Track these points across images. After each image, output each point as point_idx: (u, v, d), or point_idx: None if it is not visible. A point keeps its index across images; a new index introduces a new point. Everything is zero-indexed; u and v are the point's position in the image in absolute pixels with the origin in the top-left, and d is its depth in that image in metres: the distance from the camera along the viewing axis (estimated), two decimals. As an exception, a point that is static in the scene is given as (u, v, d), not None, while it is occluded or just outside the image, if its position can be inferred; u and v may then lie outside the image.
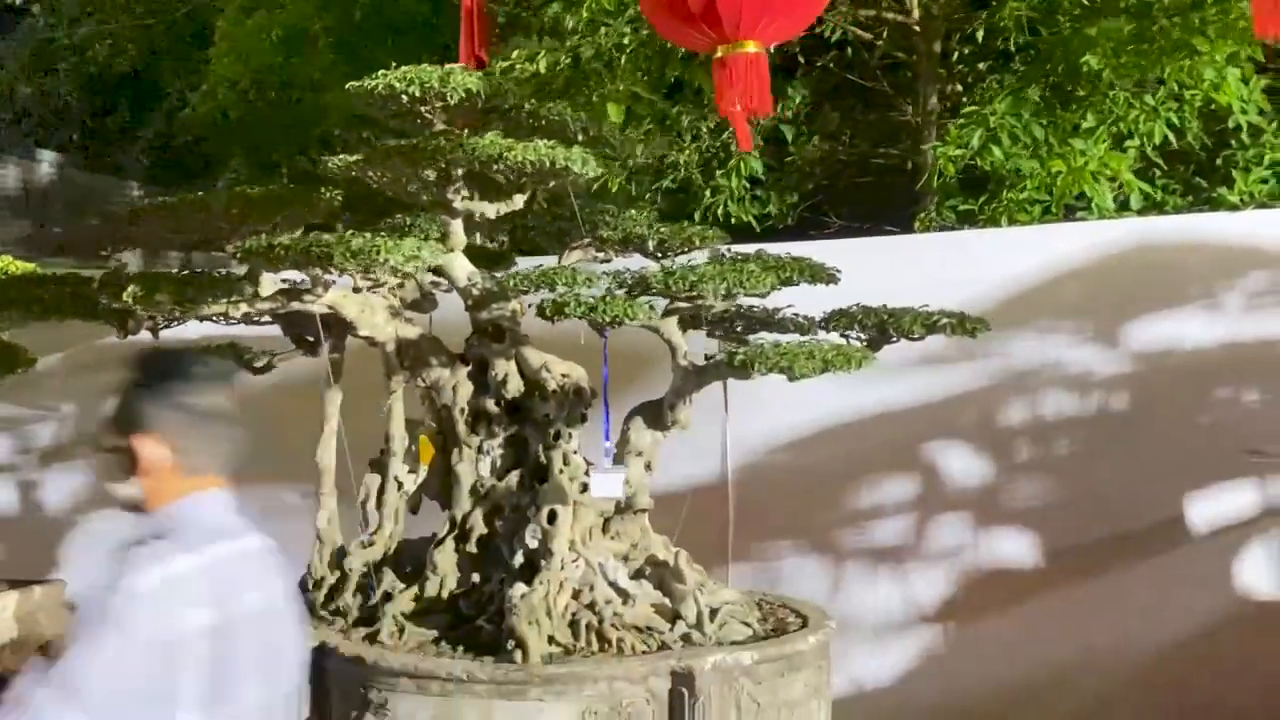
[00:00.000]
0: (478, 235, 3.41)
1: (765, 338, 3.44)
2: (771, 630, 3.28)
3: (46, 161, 13.64)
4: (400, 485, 3.45)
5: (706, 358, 3.12)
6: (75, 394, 5.71)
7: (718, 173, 5.29)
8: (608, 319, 2.84)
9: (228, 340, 3.81)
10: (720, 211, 5.48)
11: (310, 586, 3.45)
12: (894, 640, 4.83)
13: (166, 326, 3.47)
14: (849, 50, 6.99)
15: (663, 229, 3.29)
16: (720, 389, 4.94)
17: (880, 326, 3.18)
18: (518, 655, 2.94)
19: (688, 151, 5.49)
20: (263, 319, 3.48)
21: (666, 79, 5.04)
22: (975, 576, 4.75)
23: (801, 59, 7.25)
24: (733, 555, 4.97)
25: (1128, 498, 4.58)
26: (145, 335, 3.49)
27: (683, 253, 3.33)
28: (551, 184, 3.02)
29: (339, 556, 3.44)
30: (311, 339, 3.61)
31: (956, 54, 6.19)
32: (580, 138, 3.09)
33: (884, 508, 4.87)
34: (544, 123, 3.10)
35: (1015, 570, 4.72)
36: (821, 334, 3.57)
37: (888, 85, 6.84)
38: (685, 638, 3.14)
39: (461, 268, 3.32)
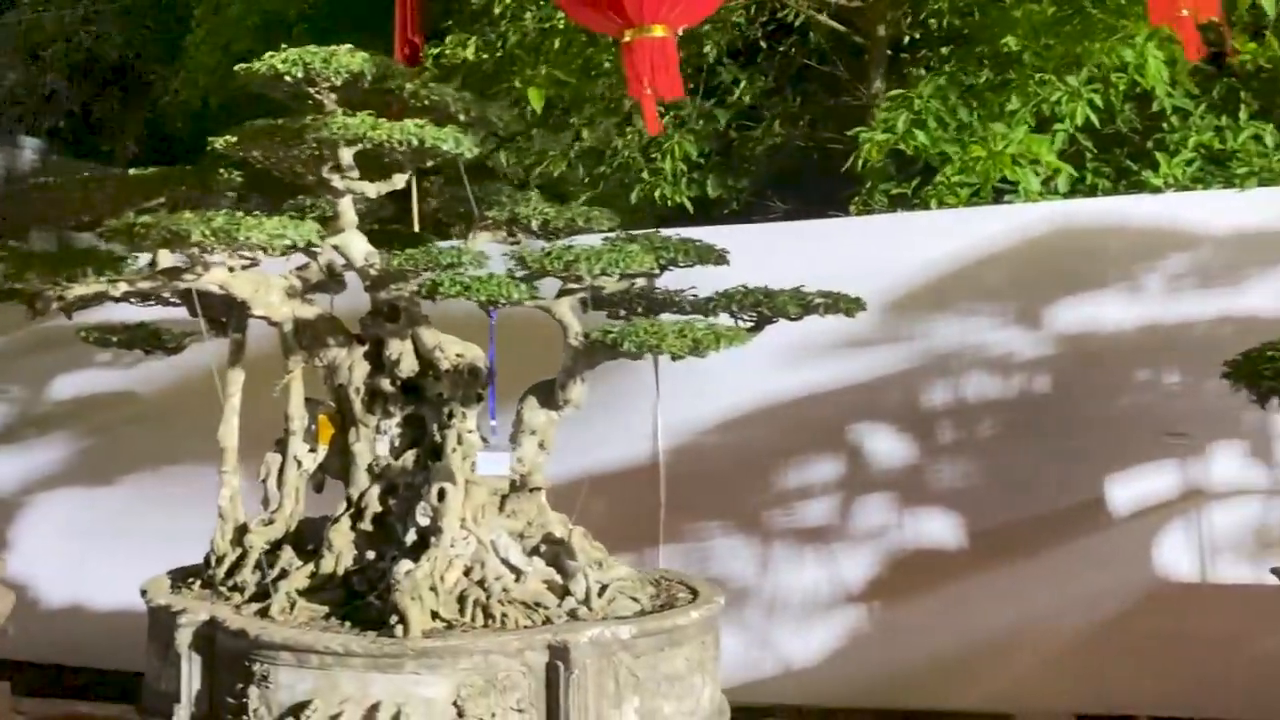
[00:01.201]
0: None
1: (665, 318, 3.47)
2: (661, 606, 3.32)
3: (29, 149, 13.67)
4: (300, 464, 3.49)
5: (584, 336, 3.15)
6: (20, 376, 5.79)
7: (651, 157, 5.31)
8: (483, 299, 2.88)
9: (140, 322, 3.87)
10: (658, 195, 5.51)
11: (212, 563, 3.50)
12: (821, 619, 4.89)
13: (82, 308, 3.51)
14: (810, 34, 7.00)
15: (547, 210, 3.32)
16: (652, 372, 5.05)
17: (756, 307, 3.20)
18: (400, 630, 2.99)
19: (629, 135, 5.51)
20: (172, 299, 3.53)
21: (596, 62, 5.06)
22: (900, 556, 4.80)
23: (763, 43, 7.26)
24: (664, 536, 5.02)
25: (1049, 479, 4.62)
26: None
27: (572, 234, 3.36)
28: (429, 163, 3.06)
29: (240, 534, 3.48)
30: (224, 320, 3.67)
31: (907, 38, 6.20)
32: (462, 118, 3.12)
33: (812, 488, 4.91)
34: (426, 103, 3.13)
35: (939, 550, 4.77)
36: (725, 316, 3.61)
37: (844, 69, 6.85)
38: (572, 613, 3.18)
39: (359, 248, 3.36)
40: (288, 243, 2.86)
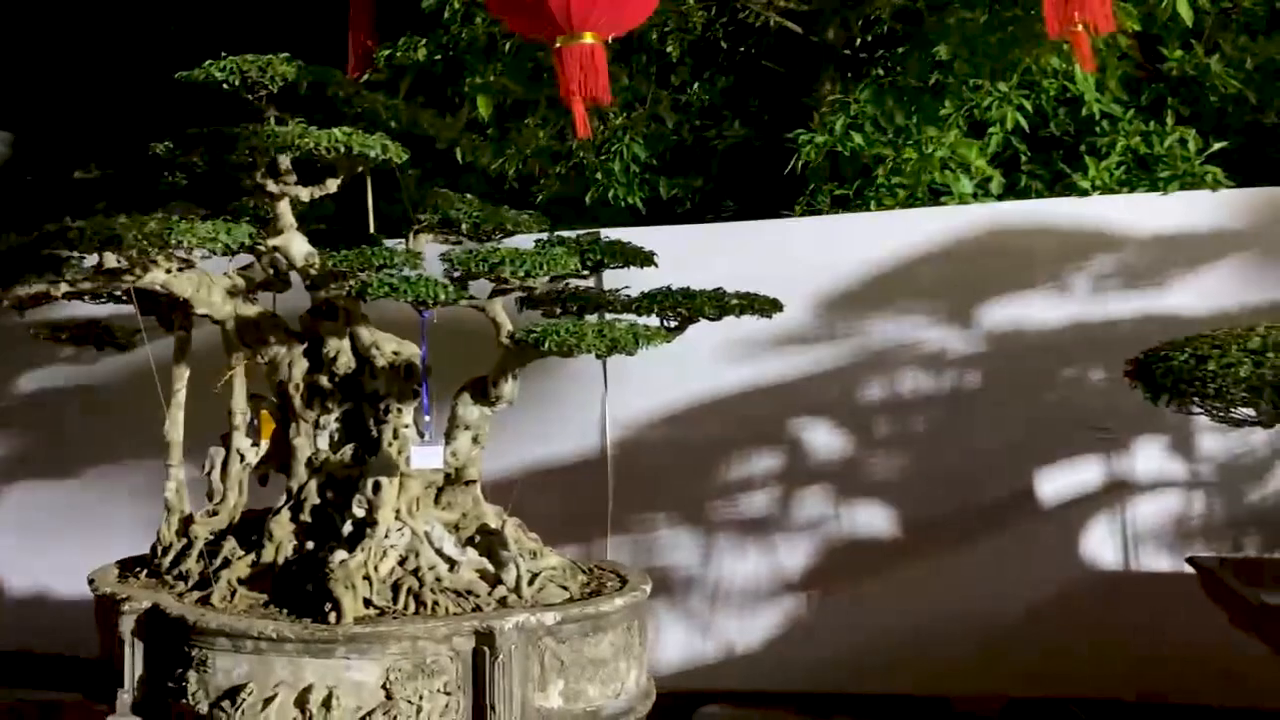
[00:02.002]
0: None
1: (596, 319, 3.61)
2: (591, 594, 3.46)
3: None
4: (243, 458, 3.61)
5: (509, 336, 3.28)
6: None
7: (601, 158, 5.43)
8: (410, 299, 3.00)
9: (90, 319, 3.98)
10: (611, 195, 5.63)
11: (158, 553, 3.62)
12: (762, 607, 5.04)
13: (34, 306, 3.62)
14: (769, 37, 7.12)
15: (477, 213, 3.45)
16: (600, 367, 5.20)
17: (676, 308, 3.34)
18: (333, 616, 3.12)
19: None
20: (122, 297, 3.64)
21: (548, 65, 5.16)
22: (838, 546, 4.95)
23: (724, 44, 7.38)
24: (612, 528, 5.17)
25: (981, 472, 4.78)
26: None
27: (505, 236, 3.49)
28: (359, 169, 3.18)
29: (185, 525, 3.60)
30: (174, 318, 3.78)
31: (859, 40, 6.33)
32: (393, 125, 3.25)
33: (753, 481, 5.06)
34: (360, 110, 3.25)
35: (875, 540, 4.92)
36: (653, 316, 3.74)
37: (800, 72, 6.96)
38: (502, 601, 3.32)
39: (299, 249, 3.48)
40: (220, 245, 2.97)
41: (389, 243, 3.67)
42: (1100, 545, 4.72)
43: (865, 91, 4.91)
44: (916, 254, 4.81)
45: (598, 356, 3.13)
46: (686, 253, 4.97)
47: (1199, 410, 3.07)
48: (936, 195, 5.06)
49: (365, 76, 4.67)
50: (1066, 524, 4.74)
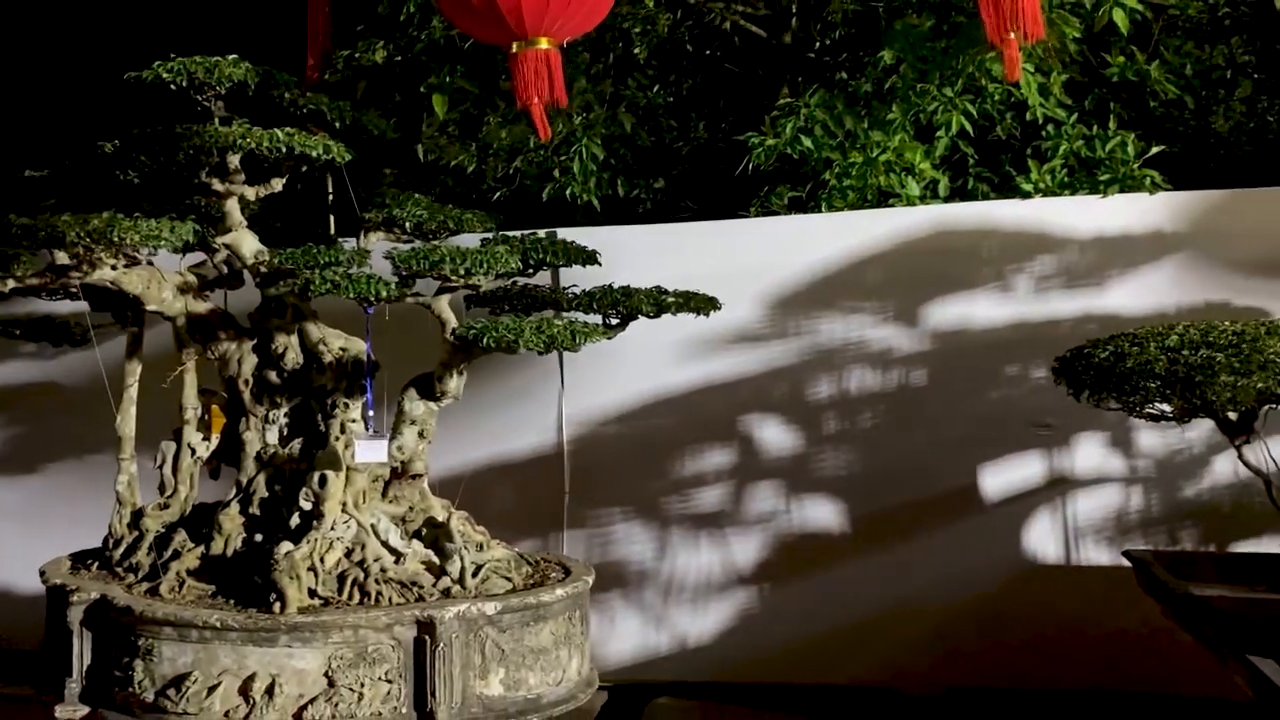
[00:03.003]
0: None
1: (559, 315, 3.70)
2: (534, 585, 3.54)
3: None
4: (193, 452, 3.68)
5: (452, 333, 3.36)
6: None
7: (559, 157, 5.52)
8: (351, 296, 3.08)
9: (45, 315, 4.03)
10: (569, 194, 5.71)
11: (110, 545, 3.68)
12: (714, 600, 5.14)
13: (-7, 301, 3.68)
14: (735, 39, 7.22)
15: (422, 211, 3.52)
16: (557, 365, 5.28)
17: (615, 305, 3.42)
18: (277, 606, 3.19)
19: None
20: (76, 293, 3.70)
21: (505, 67, 5.23)
22: (788, 540, 5.06)
23: (690, 47, 7.48)
24: (568, 523, 5.25)
25: (926, 467, 4.89)
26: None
27: (450, 234, 3.57)
28: (304, 169, 3.25)
29: (137, 517, 3.66)
30: (130, 314, 3.84)
31: (819, 44, 6.44)
32: (338, 125, 3.32)
33: (706, 476, 5.16)
34: (305, 111, 3.32)
35: (825, 534, 5.03)
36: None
37: (763, 75, 7.07)
38: (445, 592, 3.40)
39: (249, 246, 3.55)
40: (164, 242, 3.04)
41: (350, 242, 3.76)
42: (1042, 539, 4.84)
43: (815, 96, 5.01)
44: (865, 254, 4.92)
45: (539, 353, 3.21)
46: (642, 252, 5.10)
47: (1117, 406, 3.18)
48: (886, 198, 5.17)
49: (324, 78, 4.71)
50: (1010, 518, 4.85)
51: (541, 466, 5.26)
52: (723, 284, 4.93)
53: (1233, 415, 3.19)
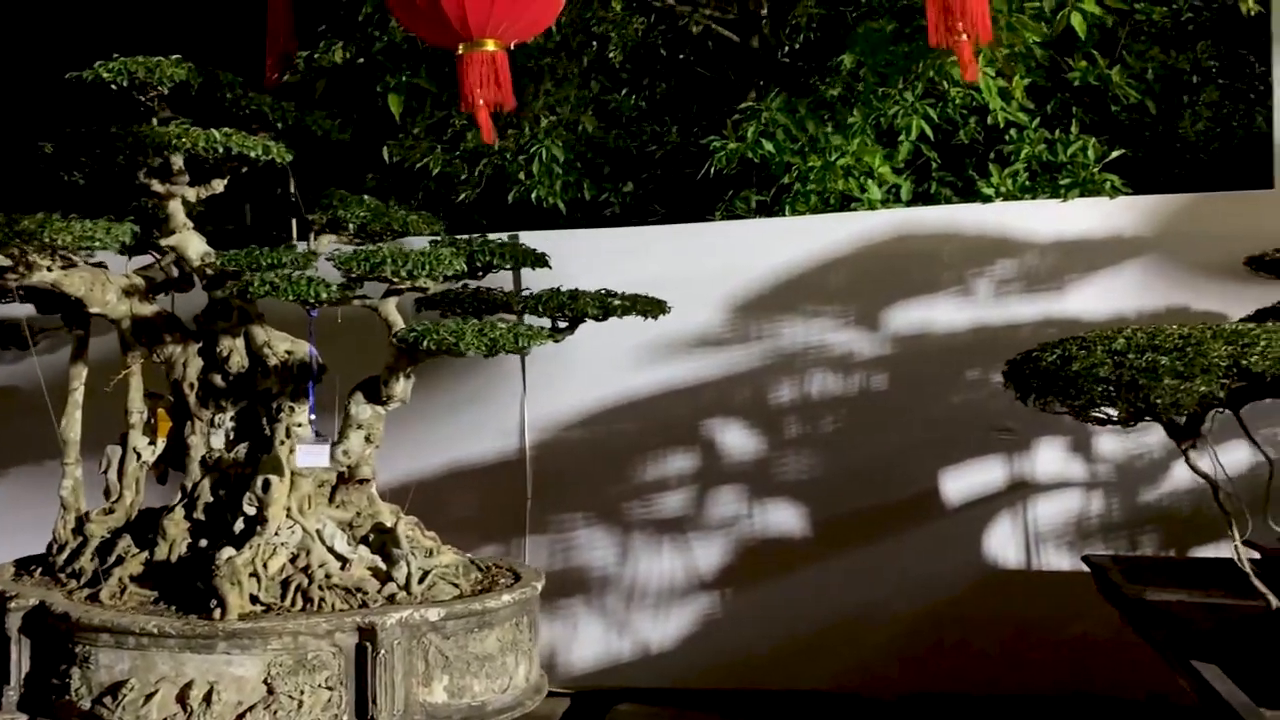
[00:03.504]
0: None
1: (505, 318, 3.68)
2: (481, 591, 3.51)
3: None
4: (139, 456, 3.64)
5: (394, 336, 3.33)
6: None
7: (520, 158, 5.50)
8: (290, 298, 3.05)
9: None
10: (534, 196, 5.70)
11: (54, 551, 3.64)
12: (677, 606, 5.11)
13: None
14: (710, 43, 7.23)
15: (365, 213, 3.49)
16: (519, 369, 5.25)
17: (561, 308, 3.40)
18: (218, 612, 3.15)
19: (509, 136, 5.69)
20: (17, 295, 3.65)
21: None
22: (751, 545, 5.03)
23: (663, 51, 7.48)
24: (530, 528, 5.22)
25: (888, 471, 4.87)
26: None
27: (395, 236, 3.54)
28: (244, 169, 3.22)
29: (81, 523, 3.62)
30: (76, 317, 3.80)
31: (788, 48, 6.44)
32: (280, 126, 3.29)
33: (669, 481, 5.13)
34: (248, 112, 3.29)
35: (787, 539, 5.01)
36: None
37: (734, 78, 7.07)
38: (390, 598, 3.36)
39: (196, 248, 3.52)
40: (99, 244, 3.00)
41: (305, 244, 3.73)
42: (1004, 544, 4.82)
43: (776, 100, 5.00)
44: (826, 258, 4.90)
45: (483, 355, 3.17)
46: (605, 255, 5.08)
47: (1063, 410, 3.16)
48: (849, 202, 5.16)
49: (283, 79, 4.69)
50: (971, 523, 4.84)
51: (504, 471, 5.22)
52: (685, 287, 4.93)
53: (1179, 419, 3.18)
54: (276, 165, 3.17)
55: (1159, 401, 2.94)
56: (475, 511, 5.25)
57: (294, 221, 3.67)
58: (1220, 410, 3.17)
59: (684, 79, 7.58)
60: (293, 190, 3.41)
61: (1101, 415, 3.08)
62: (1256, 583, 3.18)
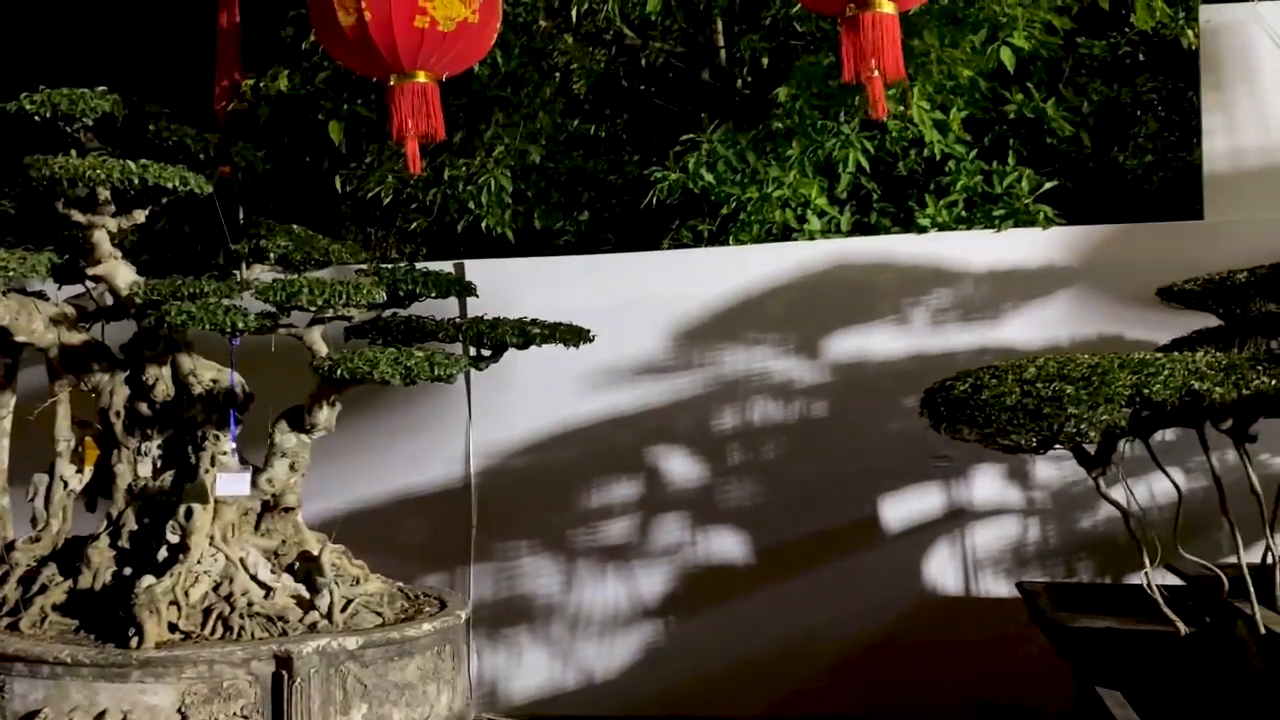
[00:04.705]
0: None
1: (424, 347, 3.70)
2: (405, 619, 3.51)
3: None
4: (66, 484, 3.64)
5: (312, 365, 3.35)
6: None
7: (468, 187, 5.55)
8: (206, 327, 3.07)
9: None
10: (484, 225, 5.75)
11: (-23, 579, 3.63)
12: (621, 633, 5.12)
13: None
14: (670, 74, 7.32)
15: (285, 243, 3.53)
16: (465, 396, 5.27)
17: (481, 337, 3.43)
18: (135, 641, 3.15)
19: (459, 165, 5.75)
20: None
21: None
22: (694, 573, 5.06)
23: (625, 83, 7.56)
24: (475, 556, 5.23)
25: (828, 498, 4.91)
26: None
27: (318, 266, 3.57)
28: (164, 200, 3.25)
29: (7, 551, 3.62)
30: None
31: (740, 80, 6.53)
32: (202, 157, 3.33)
33: (613, 509, 5.16)
34: (170, 143, 3.33)
35: (729, 566, 5.03)
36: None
37: (691, 109, 7.16)
38: (312, 626, 3.36)
39: (125, 277, 3.54)
40: (13, 274, 3.03)
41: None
42: (942, 570, 4.86)
43: (717, 132, 5.07)
44: (766, 288, 4.96)
45: (401, 384, 3.20)
46: (550, 282, 5.13)
47: (974, 438, 3.21)
48: (790, 232, 5.22)
49: (229, 107, 4.73)
50: (910, 549, 4.88)
51: (449, 499, 5.24)
52: (628, 315, 4.98)
53: (1089, 447, 3.23)
54: (197, 196, 3.20)
55: (1065, 430, 3.00)
56: (421, 539, 5.26)
57: (221, 251, 3.71)
58: (1129, 439, 3.23)
59: (644, 110, 7.66)
60: (223, 221, 3.44)
61: (1010, 443, 3.12)
62: (1166, 610, 3.23)
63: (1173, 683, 3.27)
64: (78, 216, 3.23)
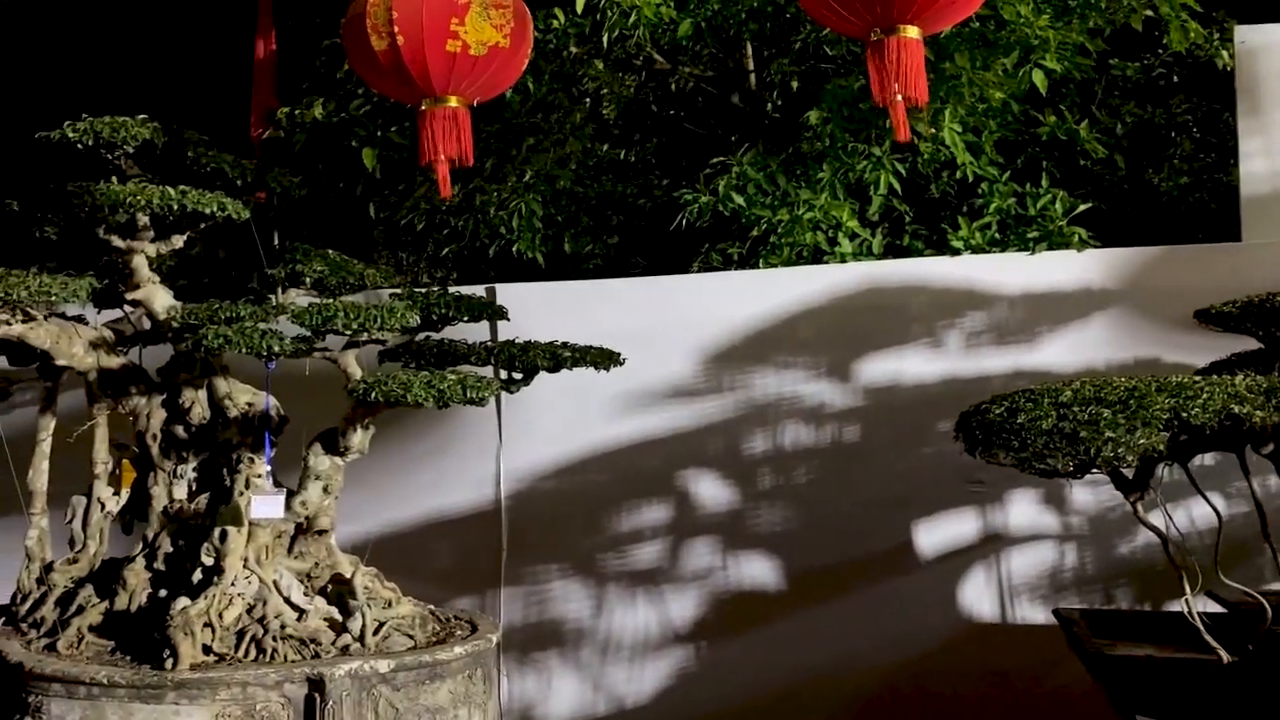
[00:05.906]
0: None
1: (458, 370, 3.72)
2: (436, 642, 3.51)
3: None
4: (103, 506, 3.68)
5: (346, 388, 3.38)
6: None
7: (500, 212, 5.60)
8: (242, 351, 3.11)
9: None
10: (514, 250, 5.79)
11: (17, 600, 3.68)
12: (651, 659, 5.09)
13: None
14: (700, 99, 7.36)
15: (321, 267, 3.57)
16: (496, 420, 5.29)
17: (513, 360, 3.45)
18: (170, 662, 3.17)
19: (491, 191, 5.80)
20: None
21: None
22: (724, 597, 5.02)
23: (654, 107, 7.61)
24: (505, 580, 5.23)
25: (860, 524, 4.87)
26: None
27: (355, 290, 3.61)
28: (202, 226, 3.30)
29: (45, 572, 3.66)
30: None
31: (770, 104, 6.54)
32: (239, 183, 3.38)
33: (643, 532, 5.14)
34: (208, 169, 3.38)
35: (760, 591, 4.99)
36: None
37: (721, 133, 7.18)
38: (344, 649, 3.37)
39: (162, 301, 3.59)
40: (55, 299, 3.08)
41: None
42: (978, 597, 4.80)
43: (747, 155, 5.08)
44: (798, 310, 4.95)
45: (436, 406, 3.21)
46: (581, 306, 5.14)
47: (1009, 463, 3.17)
48: (821, 255, 5.21)
49: (266, 134, 4.82)
50: (945, 576, 4.82)
51: (479, 522, 5.24)
52: (659, 339, 4.99)
53: (1126, 472, 3.18)
54: (234, 221, 3.25)
55: (1102, 454, 2.96)
56: (451, 563, 5.27)
57: (255, 276, 3.76)
58: (1167, 463, 3.18)
59: (673, 134, 7.70)
60: (259, 246, 3.49)
61: (1046, 468, 3.08)
62: (1207, 637, 3.17)
63: (1215, 712, 3.20)
64: (117, 242, 3.29)
